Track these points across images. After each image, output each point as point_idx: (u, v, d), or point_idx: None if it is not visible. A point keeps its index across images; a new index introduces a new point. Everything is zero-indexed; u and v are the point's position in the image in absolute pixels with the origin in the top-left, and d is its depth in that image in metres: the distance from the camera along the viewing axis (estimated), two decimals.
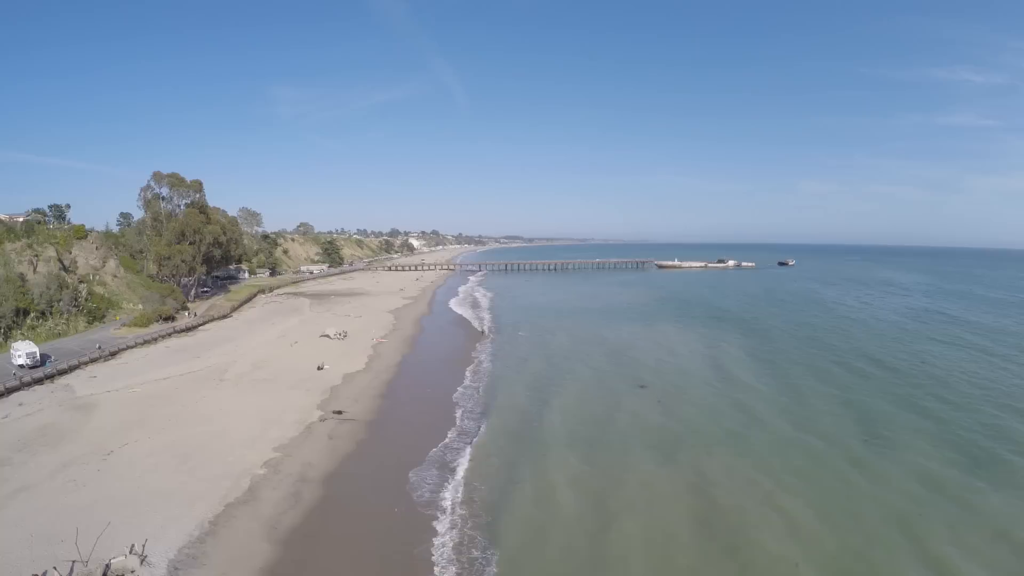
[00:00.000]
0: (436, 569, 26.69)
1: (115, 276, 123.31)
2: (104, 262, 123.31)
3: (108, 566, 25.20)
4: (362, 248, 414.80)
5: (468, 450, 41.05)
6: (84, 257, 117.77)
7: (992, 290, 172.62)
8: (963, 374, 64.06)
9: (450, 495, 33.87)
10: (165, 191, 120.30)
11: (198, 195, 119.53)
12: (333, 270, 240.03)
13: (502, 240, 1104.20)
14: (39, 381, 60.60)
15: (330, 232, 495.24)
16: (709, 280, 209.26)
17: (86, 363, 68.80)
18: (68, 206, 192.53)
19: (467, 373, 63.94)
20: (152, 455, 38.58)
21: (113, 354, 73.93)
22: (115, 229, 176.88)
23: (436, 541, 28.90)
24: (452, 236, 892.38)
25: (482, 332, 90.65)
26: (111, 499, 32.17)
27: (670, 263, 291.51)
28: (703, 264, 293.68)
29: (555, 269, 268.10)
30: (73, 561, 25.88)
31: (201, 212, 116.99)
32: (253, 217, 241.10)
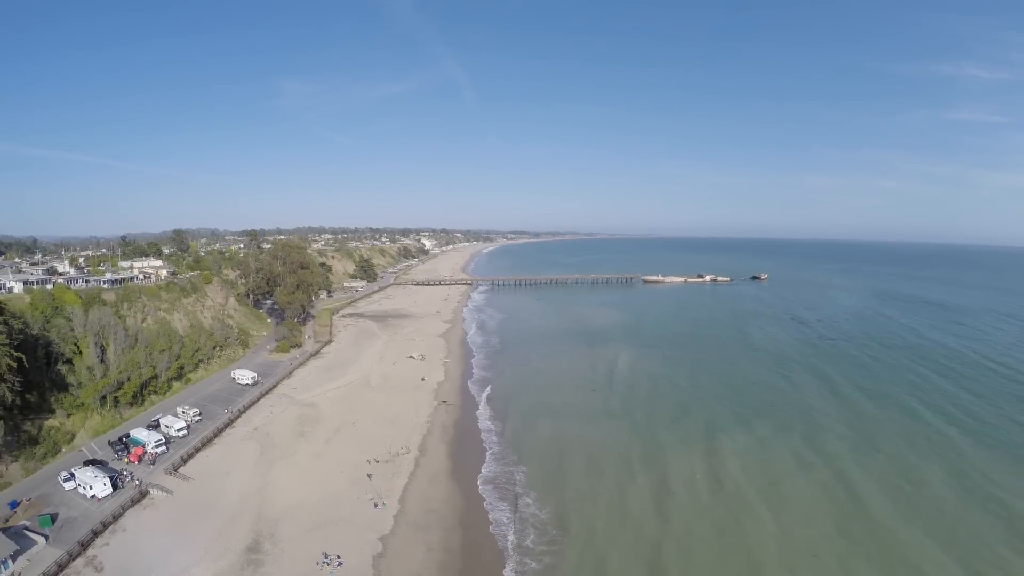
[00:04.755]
0: (484, 430, 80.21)
1: (236, 310, 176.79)
2: (226, 299, 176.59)
3: (398, 452, 78.33)
4: (384, 256, 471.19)
5: (498, 412, 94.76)
6: (212, 297, 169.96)
7: (911, 316, 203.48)
8: (759, 397, 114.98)
9: (496, 428, 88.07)
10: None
11: (303, 256, 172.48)
12: (372, 286, 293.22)
13: (509, 235, 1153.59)
14: (265, 393, 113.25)
15: (344, 231, 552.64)
16: (680, 299, 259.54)
17: (280, 380, 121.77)
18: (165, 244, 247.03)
19: (496, 378, 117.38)
20: (374, 423, 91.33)
21: (290, 373, 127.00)
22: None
23: (486, 438, 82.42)
24: (461, 234, 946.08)
25: (501, 350, 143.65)
26: (375, 437, 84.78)
27: (655, 278, 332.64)
28: (683, 279, 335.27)
29: (554, 284, 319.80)
30: (377, 458, 78.70)
31: (308, 268, 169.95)
32: (304, 242, 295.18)
